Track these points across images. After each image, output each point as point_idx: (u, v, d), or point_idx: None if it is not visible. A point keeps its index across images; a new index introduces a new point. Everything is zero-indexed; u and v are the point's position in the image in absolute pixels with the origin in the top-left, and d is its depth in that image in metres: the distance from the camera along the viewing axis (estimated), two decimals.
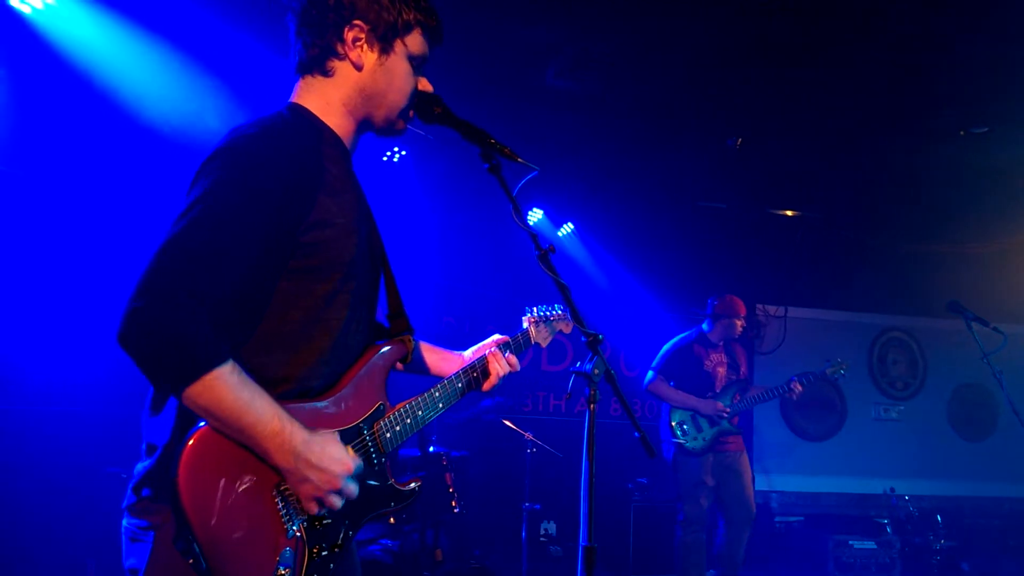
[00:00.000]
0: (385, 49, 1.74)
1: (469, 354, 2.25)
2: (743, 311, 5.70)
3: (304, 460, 1.53)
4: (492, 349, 2.23)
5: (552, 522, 6.35)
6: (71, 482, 4.63)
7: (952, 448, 8.19)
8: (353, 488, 1.61)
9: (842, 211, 7.36)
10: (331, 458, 1.57)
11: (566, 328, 2.51)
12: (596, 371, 1.98)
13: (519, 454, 5.24)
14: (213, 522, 1.46)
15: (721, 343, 5.67)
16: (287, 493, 1.58)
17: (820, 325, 7.96)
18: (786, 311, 7.71)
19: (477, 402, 5.20)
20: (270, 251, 1.56)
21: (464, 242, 6.75)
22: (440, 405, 2.00)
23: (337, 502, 1.59)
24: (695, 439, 5.43)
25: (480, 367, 2.17)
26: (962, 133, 5.35)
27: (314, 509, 1.58)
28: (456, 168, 6.12)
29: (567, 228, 7.29)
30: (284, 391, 1.63)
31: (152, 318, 1.40)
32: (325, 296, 1.67)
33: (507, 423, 5.13)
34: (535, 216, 7.07)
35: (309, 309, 1.66)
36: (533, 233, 1.90)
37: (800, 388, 5.44)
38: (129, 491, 1.62)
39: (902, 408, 8.22)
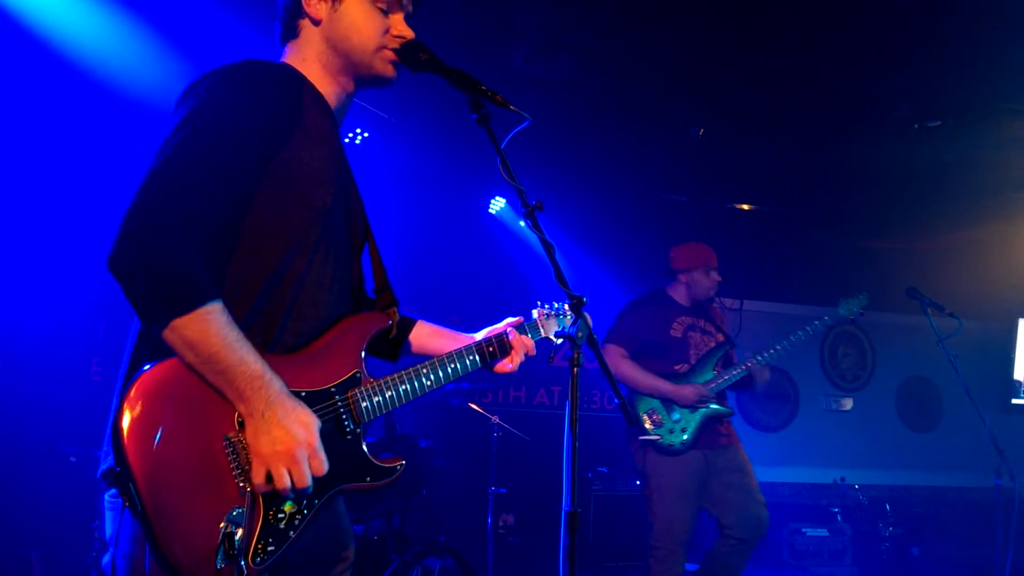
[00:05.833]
0: None
1: (480, 336, 2.18)
2: (715, 260, 4.43)
3: (272, 412, 1.47)
4: (511, 329, 2.18)
5: (511, 514, 6.31)
6: (14, 466, 4.43)
7: (900, 439, 8.43)
8: (306, 475, 1.50)
9: (796, 205, 7.50)
10: (298, 420, 1.50)
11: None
12: (580, 333, 1.97)
13: (485, 441, 5.16)
14: (152, 461, 1.38)
15: (690, 304, 4.43)
16: (239, 446, 1.49)
17: (775, 318, 8.09)
18: (741, 304, 7.81)
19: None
20: (246, 176, 1.55)
21: (428, 230, 6.68)
22: (428, 381, 1.92)
23: (285, 480, 1.47)
24: (671, 431, 4.01)
25: (497, 343, 2.11)
26: (916, 127, 5.47)
27: (260, 479, 1.47)
28: (419, 156, 6.06)
29: None
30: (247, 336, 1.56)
31: (147, 242, 1.37)
32: (295, 241, 1.62)
33: (473, 406, 5.08)
34: (498, 204, 7.04)
35: (278, 251, 1.61)
36: (520, 188, 1.87)
37: (753, 365, 4.20)
38: (102, 456, 1.55)
39: (852, 400, 8.43)
